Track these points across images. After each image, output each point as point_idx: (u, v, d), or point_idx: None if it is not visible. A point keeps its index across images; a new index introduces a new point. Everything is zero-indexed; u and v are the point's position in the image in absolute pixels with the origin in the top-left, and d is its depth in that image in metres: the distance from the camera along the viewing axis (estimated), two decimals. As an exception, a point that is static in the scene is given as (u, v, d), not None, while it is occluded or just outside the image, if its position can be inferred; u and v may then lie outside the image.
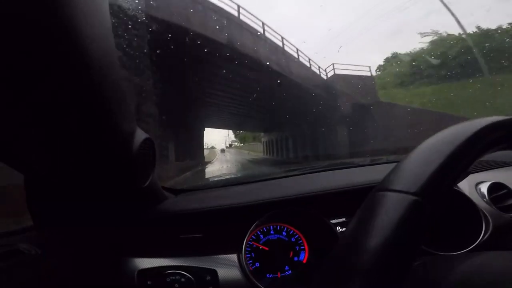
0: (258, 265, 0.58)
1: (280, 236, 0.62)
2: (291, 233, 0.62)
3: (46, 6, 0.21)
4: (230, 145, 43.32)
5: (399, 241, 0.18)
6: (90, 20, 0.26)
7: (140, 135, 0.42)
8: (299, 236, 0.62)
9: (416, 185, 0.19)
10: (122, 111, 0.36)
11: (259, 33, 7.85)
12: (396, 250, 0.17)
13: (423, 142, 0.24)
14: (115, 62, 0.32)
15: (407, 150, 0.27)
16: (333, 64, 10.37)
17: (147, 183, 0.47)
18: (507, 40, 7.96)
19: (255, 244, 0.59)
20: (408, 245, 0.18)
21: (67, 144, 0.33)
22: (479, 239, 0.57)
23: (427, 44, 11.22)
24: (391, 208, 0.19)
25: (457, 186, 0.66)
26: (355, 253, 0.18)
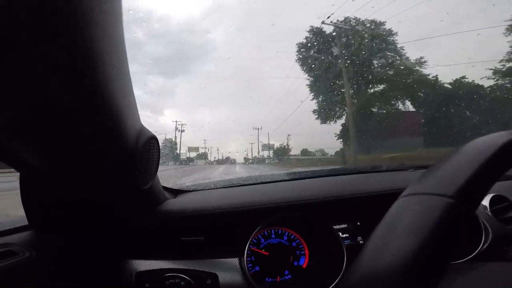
0: (258, 269, 0.58)
1: (281, 240, 0.61)
2: (292, 237, 0.61)
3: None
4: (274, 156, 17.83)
5: (435, 243, 0.18)
6: (106, 31, 0.25)
7: (145, 133, 0.40)
8: (300, 241, 0.61)
9: (452, 189, 0.19)
10: (130, 109, 0.35)
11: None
12: (433, 252, 0.17)
13: (455, 149, 0.24)
14: (126, 65, 0.31)
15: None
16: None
17: (149, 184, 0.45)
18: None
19: (255, 249, 0.59)
20: (445, 247, 0.18)
21: (74, 141, 0.31)
22: (479, 248, 0.58)
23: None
24: (426, 210, 0.19)
25: None
26: (387, 256, 0.18)
